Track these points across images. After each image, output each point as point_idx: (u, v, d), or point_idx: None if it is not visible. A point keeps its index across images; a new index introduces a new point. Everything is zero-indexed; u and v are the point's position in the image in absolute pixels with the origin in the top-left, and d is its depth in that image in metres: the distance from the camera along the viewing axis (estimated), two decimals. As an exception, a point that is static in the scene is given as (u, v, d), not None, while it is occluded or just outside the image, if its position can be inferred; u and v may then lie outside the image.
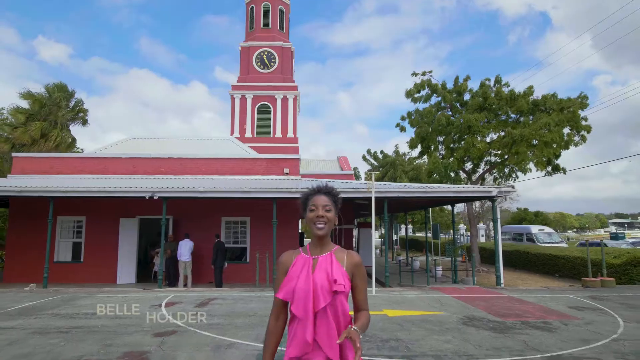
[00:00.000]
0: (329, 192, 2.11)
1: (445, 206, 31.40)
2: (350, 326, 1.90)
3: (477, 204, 42.00)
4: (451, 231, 42.29)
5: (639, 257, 12.95)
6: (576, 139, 17.10)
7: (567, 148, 17.67)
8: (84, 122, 26.95)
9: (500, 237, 13.28)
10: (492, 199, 12.97)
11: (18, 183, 13.46)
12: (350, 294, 2.04)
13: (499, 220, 13.20)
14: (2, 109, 29.79)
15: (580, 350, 5.65)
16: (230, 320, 7.28)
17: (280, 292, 1.99)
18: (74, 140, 25.71)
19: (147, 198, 12.16)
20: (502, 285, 12.61)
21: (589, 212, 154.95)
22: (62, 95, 24.65)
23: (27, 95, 24.19)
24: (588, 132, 17.18)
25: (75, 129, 26.29)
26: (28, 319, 7.38)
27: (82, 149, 29.76)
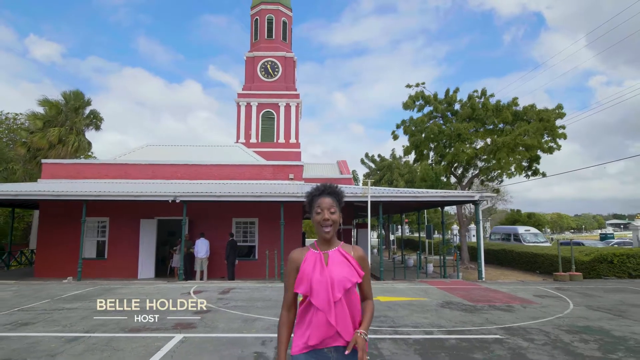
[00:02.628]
0: (332, 192, 2.23)
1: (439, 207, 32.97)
2: (357, 331, 2.05)
3: (471, 206, 43.73)
4: (448, 231, 43.73)
5: (605, 255, 14.60)
6: (552, 145, 18.83)
7: (551, 152, 19.40)
8: (97, 128, 28.35)
9: (482, 237, 14.91)
10: (475, 202, 14.62)
11: (50, 187, 15.01)
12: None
13: (481, 222, 14.83)
14: (19, 114, 31.39)
15: (527, 323, 7.27)
16: (251, 303, 8.91)
17: (299, 287, 2.12)
18: (89, 144, 27.16)
19: (170, 202, 13.75)
20: (484, 279, 14.24)
21: (587, 213, 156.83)
22: (79, 102, 26.08)
23: (44, 102, 25.56)
24: (564, 138, 18.90)
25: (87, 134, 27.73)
26: (84, 302, 8.98)
27: (92, 153, 31.32)
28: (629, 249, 15.52)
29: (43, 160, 18.17)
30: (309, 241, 2.85)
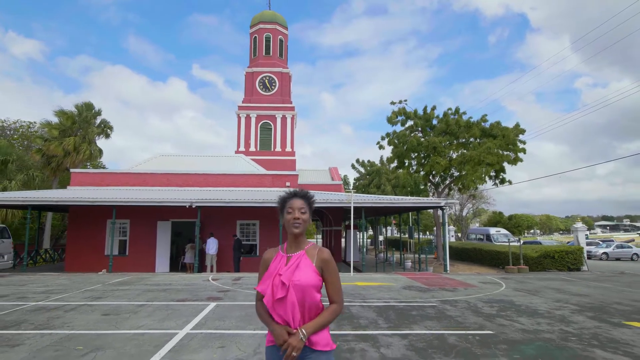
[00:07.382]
0: (303, 196, 2.32)
1: (429, 210, 35.82)
2: (297, 328, 2.06)
3: (456, 209, 46.87)
4: (433, 231, 46.46)
5: (548, 252, 17.56)
6: (512, 157, 21.90)
7: (515, 164, 22.44)
8: (107, 136, 30.74)
9: (447, 237, 17.87)
10: (441, 208, 17.49)
11: (85, 194, 17.58)
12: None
13: (447, 224, 17.73)
14: (33, 123, 33.87)
15: (460, 298, 10.09)
16: (258, 286, 11.62)
17: (260, 285, 2.23)
18: (100, 152, 29.60)
19: (187, 207, 16.41)
20: (448, 272, 17.10)
21: (576, 215, 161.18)
22: (91, 113, 28.47)
23: (60, 113, 27.86)
24: (524, 153, 21.96)
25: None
26: (131, 286, 11.63)
27: (101, 162, 33.83)
28: (568, 247, 18.48)
29: (72, 170, 20.72)
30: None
